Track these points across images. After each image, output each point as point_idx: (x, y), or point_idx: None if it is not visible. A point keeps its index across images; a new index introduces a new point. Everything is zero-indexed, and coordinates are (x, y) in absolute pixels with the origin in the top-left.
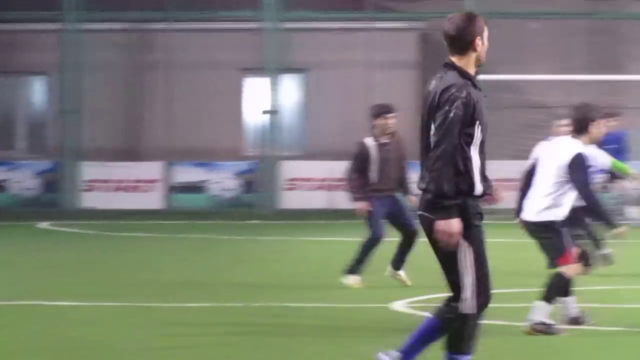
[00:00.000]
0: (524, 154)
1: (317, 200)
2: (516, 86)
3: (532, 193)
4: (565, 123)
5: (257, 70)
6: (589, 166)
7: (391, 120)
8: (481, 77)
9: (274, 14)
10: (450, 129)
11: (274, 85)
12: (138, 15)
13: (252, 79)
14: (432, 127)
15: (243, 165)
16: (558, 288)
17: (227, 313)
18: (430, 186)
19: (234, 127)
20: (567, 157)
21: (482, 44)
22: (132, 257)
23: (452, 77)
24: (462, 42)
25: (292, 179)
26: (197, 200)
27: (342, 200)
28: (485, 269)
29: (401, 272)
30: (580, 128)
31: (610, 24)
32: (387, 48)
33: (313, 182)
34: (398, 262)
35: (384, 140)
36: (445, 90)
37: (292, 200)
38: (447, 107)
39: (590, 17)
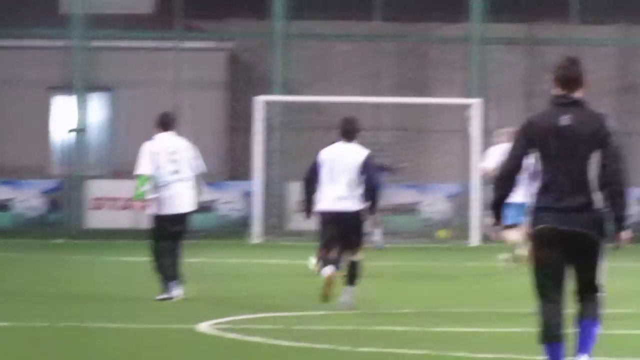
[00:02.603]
0: None
1: (122, 219)
2: (325, 107)
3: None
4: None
5: (65, 88)
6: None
7: None
8: (290, 98)
9: (81, 32)
10: (623, 156)
11: (81, 103)
12: None
13: (60, 97)
14: (596, 155)
15: (49, 183)
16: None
17: (30, 333)
18: (623, 205)
19: (41, 145)
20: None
21: None
22: None
23: (592, 110)
24: (583, 82)
25: (98, 198)
26: (2, 219)
27: (148, 220)
28: None
29: None
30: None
31: (420, 46)
32: (196, 67)
33: (119, 201)
34: None
35: None
36: (605, 122)
37: (97, 219)
38: (616, 137)
39: (400, 40)
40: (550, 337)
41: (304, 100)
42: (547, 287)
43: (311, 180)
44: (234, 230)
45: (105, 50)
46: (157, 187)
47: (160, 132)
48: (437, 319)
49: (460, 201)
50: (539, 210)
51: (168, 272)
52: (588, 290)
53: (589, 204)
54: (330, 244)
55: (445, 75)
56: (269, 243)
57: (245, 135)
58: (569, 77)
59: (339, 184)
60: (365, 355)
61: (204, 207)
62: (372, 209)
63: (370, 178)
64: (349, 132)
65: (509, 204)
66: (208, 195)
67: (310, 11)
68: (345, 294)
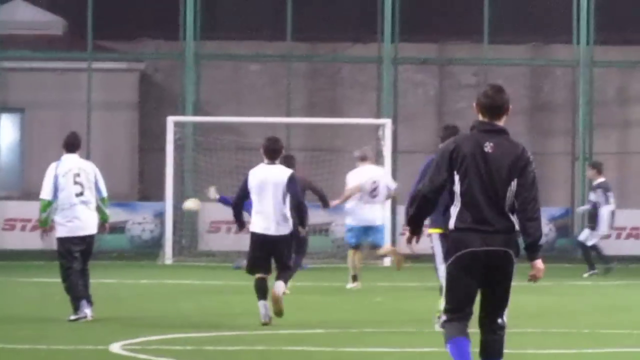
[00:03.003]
0: None
1: (34, 240)
2: (236, 128)
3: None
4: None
5: None
6: None
7: None
8: (202, 118)
9: None
10: (537, 185)
11: None
12: None
13: None
14: (514, 183)
15: None
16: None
17: None
18: (536, 232)
19: None
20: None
21: None
22: None
23: (513, 140)
24: (506, 110)
25: (9, 220)
26: None
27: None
28: None
29: None
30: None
31: (331, 66)
32: (107, 88)
33: (30, 222)
34: None
35: None
36: (524, 152)
37: (8, 240)
38: (532, 167)
39: (311, 60)
40: (457, 334)
41: (215, 120)
42: (462, 304)
43: (240, 203)
44: (146, 251)
45: (16, 71)
46: (62, 209)
47: (66, 153)
48: (348, 339)
49: None
50: (460, 231)
51: (78, 292)
52: (494, 313)
53: (508, 227)
54: (258, 264)
55: (357, 95)
56: (181, 264)
57: (157, 156)
58: (494, 105)
59: (268, 206)
60: None
61: (115, 228)
62: (302, 224)
63: (295, 195)
64: (274, 150)
65: (353, 227)
66: (117, 216)
67: (221, 31)
68: (262, 307)
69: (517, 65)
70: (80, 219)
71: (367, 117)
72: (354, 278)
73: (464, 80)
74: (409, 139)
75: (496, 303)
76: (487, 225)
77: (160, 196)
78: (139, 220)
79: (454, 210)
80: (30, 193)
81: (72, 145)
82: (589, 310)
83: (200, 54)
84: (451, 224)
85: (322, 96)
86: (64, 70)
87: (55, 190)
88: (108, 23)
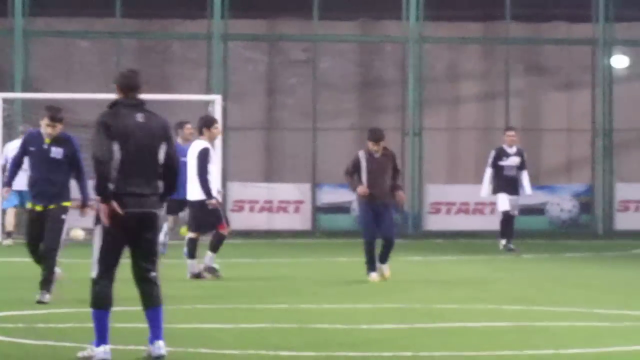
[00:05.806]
0: None
1: None
2: (66, 105)
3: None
4: None
5: None
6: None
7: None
8: (31, 95)
9: None
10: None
11: None
12: None
13: None
14: (163, 149)
15: None
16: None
17: None
18: (175, 187)
19: None
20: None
21: None
22: None
23: (153, 112)
24: (141, 87)
25: None
26: None
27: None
28: None
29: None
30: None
31: (161, 43)
32: None
33: None
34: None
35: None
36: (167, 122)
37: None
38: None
39: (141, 37)
40: (107, 304)
41: (44, 97)
42: (112, 261)
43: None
44: None
45: None
46: None
47: None
48: (182, 316)
49: None
50: (119, 196)
51: None
52: (147, 266)
53: (157, 189)
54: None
55: (188, 71)
56: (16, 242)
57: None
58: (135, 83)
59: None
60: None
61: None
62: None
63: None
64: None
65: (13, 191)
66: None
67: (50, 8)
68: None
69: (347, 41)
70: None
71: (197, 94)
72: (9, 234)
73: (294, 57)
74: (239, 115)
75: (147, 257)
76: (142, 189)
77: None
78: None
79: (114, 175)
80: None
81: None
82: (421, 285)
83: (28, 31)
84: (111, 187)
85: (152, 73)
86: None
87: None
88: None
